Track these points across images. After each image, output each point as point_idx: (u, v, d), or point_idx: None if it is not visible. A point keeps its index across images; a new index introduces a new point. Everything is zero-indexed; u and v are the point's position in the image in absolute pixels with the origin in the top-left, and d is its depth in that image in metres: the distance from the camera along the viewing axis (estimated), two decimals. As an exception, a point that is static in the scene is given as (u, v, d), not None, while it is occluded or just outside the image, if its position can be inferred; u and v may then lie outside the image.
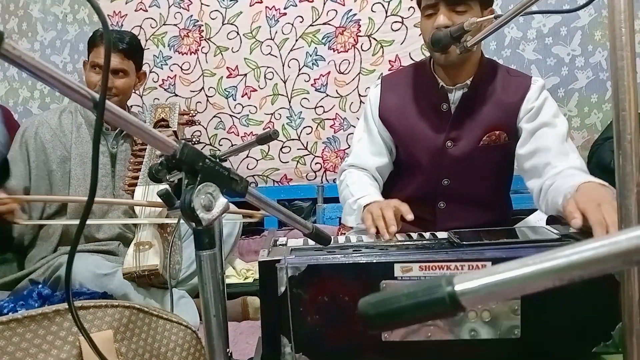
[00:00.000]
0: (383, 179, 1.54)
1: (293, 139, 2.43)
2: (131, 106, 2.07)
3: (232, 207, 0.70)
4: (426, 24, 1.35)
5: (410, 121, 1.45)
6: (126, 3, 2.43)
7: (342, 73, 2.35)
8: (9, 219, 1.58)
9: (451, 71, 1.39)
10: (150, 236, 1.62)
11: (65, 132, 1.80)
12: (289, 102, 2.40)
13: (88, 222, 1.62)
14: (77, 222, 1.61)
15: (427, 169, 1.45)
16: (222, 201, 0.68)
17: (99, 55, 1.76)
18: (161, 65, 2.44)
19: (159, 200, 0.74)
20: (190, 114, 2.07)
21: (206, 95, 2.44)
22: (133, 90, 1.93)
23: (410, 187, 1.48)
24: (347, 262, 0.97)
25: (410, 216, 1.18)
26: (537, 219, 1.44)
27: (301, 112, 2.41)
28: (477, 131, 1.39)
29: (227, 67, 2.41)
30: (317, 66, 2.36)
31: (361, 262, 0.97)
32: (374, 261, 0.96)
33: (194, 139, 2.17)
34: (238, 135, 2.45)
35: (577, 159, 1.29)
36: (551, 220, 1.25)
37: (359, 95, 2.36)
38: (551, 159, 1.29)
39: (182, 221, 1.21)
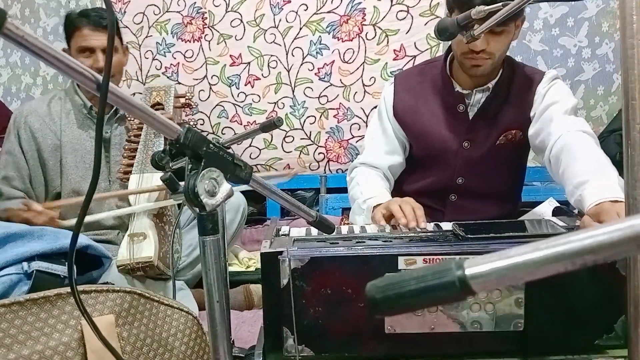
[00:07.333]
0: (395, 178, 1.53)
1: (296, 129, 2.42)
2: (134, 94, 2.05)
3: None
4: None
5: (425, 121, 1.43)
6: (129, -11, 2.41)
7: (347, 62, 2.34)
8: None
9: (475, 76, 1.37)
10: (144, 226, 1.57)
11: (54, 119, 1.73)
12: (293, 91, 2.39)
13: (86, 219, 1.60)
14: (90, 217, 1.62)
15: (442, 168, 1.44)
16: (226, 187, 0.67)
17: (85, 38, 1.67)
18: (164, 52, 2.43)
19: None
20: (186, 97, 2.01)
21: (209, 83, 2.42)
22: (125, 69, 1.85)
23: (423, 182, 1.48)
24: (350, 254, 0.96)
25: (423, 225, 1.13)
26: (543, 212, 1.44)
27: (305, 101, 2.39)
28: (494, 132, 1.38)
29: (231, 55, 2.39)
30: (321, 55, 2.34)
31: (364, 254, 0.96)
32: (377, 254, 0.95)
33: (199, 126, 2.12)
34: (241, 124, 2.44)
35: (577, 122, 1.26)
36: (557, 212, 1.25)
37: (363, 84, 2.34)
38: (552, 128, 1.27)
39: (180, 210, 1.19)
